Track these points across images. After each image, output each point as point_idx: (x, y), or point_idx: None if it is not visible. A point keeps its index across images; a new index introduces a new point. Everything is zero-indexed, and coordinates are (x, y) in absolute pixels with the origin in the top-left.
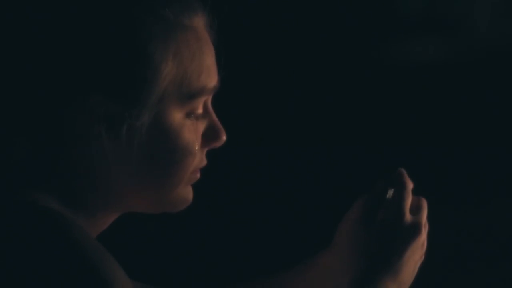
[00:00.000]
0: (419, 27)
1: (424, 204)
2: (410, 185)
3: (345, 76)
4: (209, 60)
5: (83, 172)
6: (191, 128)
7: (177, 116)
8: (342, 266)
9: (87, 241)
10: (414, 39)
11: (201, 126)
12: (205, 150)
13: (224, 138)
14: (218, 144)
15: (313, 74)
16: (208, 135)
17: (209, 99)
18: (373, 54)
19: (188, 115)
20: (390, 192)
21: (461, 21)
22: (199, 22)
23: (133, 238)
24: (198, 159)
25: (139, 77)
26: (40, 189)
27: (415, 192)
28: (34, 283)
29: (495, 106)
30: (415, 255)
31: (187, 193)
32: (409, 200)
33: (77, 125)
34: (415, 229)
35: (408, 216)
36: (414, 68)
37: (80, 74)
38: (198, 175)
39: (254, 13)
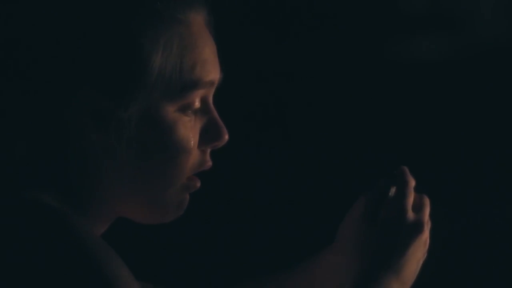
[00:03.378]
0: (423, 25)
1: (427, 201)
2: (412, 183)
3: (349, 75)
4: (206, 54)
5: (78, 170)
6: (188, 125)
7: (169, 110)
8: (344, 264)
9: (91, 239)
10: (418, 37)
11: (199, 123)
12: (208, 150)
13: (226, 137)
14: (220, 143)
15: (315, 72)
16: (208, 133)
17: (209, 95)
18: (376, 53)
19: (183, 110)
20: (393, 190)
21: (465, 18)
22: (196, 17)
23: (136, 237)
24: (198, 159)
25: (128, 68)
26: (39, 187)
27: (417, 189)
28: (39, 280)
29: (500, 104)
30: (418, 252)
31: (182, 200)
32: (411, 198)
33: (68, 119)
34: (417, 226)
35: (410, 214)
36: (418, 66)
37: (68, 67)
38: (198, 184)
39: (256, 11)
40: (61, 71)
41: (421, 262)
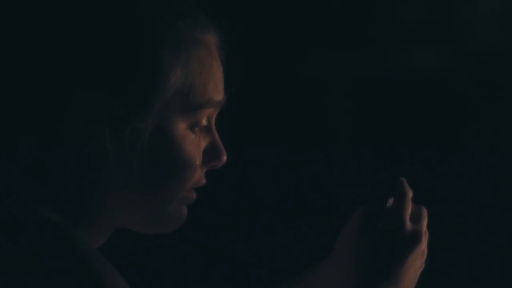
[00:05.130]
0: (421, 36)
1: (424, 212)
2: (410, 194)
3: (348, 84)
4: (218, 75)
5: (84, 180)
6: (194, 142)
7: (180, 126)
8: (343, 275)
9: (88, 251)
10: (416, 48)
11: (203, 143)
12: (205, 169)
13: (225, 158)
14: (218, 164)
15: (315, 80)
16: (209, 154)
17: (213, 116)
18: (375, 63)
19: (192, 127)
20: (390, 201)
21: (463, 29)
22: (211, 39)
23: (132, 248)
24: (198, 176)
25: (148, 81)
26: (40, 199)
27: (415, 200)
28: None
29: (498, 113)
30: (416, 263)
31: (182, 212)
32: (409, 209)
33: (81, 127)
34: (415, 237)
35: (408, 225)
36: (416, 76)
37: (88, 74)
38: (195, 196)
39: (259, 23)
40: (79, 79)
41: (419, 273)
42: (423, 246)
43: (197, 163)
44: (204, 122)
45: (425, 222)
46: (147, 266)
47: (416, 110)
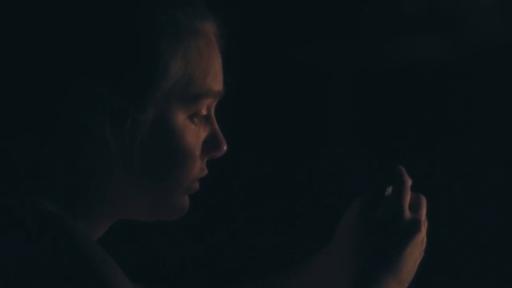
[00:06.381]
0: (423, 25)
1: (423, 201)
2: (409, 182)
3: (348, 75)
4: (216, 65)
5: (83, 172)
6: (194, 133)
7: (180, 117)
8: (342, 264)
9: (87, 244)
10: (418, 37)
11: (203, 133)
12: (205, 159)
13: (225, 148)
14: (218, 154)
15: (315, 72)
16: (209, 144)
17: (212, 106)
18: (376, 54)
19: (191, 117)
20: (389, 190)
21: (464, 18)
22: (210, 28)
23: (132, 241)
24: (199, 166)
25: (148, 73)
26: (40, 191)
27: (413, 189)
28: (35, 286)
29: (500, 103)
30: (415, 252)
31: (184, 202)
32: (408, 197)
33: (81, 119)
34: (414, 226)
35: (407, 213)
36: (419, 66)
37: (88, 66)
38: (197, 185)
39: (259, 15)
40: (78, 70)
41: (418, 262)
42: (422, 234)
43: (197, 153)
44: (203, 111)
45: (424, 211)
46: (146, 258)
47: (416, 100)
